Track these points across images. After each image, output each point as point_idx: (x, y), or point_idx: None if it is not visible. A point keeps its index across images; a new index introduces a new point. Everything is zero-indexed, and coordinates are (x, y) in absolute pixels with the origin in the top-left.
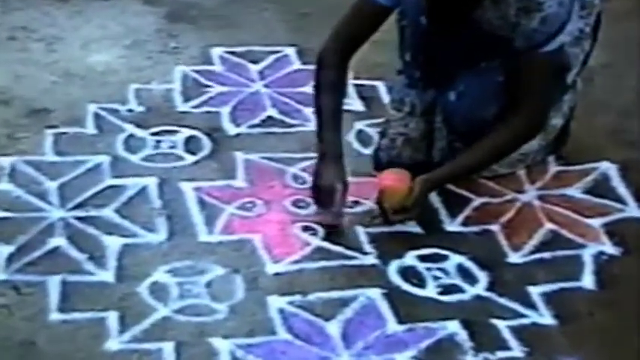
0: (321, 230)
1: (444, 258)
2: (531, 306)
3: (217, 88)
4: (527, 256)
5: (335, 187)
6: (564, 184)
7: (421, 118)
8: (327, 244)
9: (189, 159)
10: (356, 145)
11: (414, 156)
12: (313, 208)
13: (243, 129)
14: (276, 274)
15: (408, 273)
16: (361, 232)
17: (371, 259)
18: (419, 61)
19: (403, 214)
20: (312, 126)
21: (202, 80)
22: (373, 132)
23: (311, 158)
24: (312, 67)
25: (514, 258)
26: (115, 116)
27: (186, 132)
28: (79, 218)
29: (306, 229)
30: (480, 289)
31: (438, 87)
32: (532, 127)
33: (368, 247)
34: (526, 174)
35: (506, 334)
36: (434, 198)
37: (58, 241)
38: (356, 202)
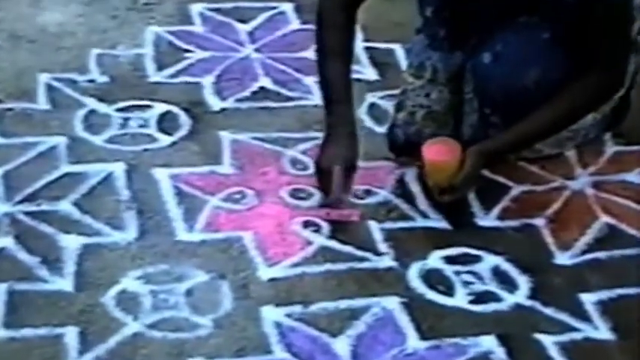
0: (325, 226)
1: (476, 259)
2: (583, 317)
3: (198, 54)
4: (578, 257)
5: (332, 169)
6: (623, 168)
7: (446, 87)
8: (333, 243)
9: (164, 140)
10: (368, 123)
11: (437, 133)
12: (317, 198)
13: (229, 103)
14: (272, 279)
15: (432, 278)
16: (375, 229)
17: (387, 262)
18: (443, 17)
19: (452, 193)
20: (314, 99)
21: (179, 44)
22: (389, 105)
23: (313, 139)
24: (312, 26)
25: (562, 259)
26: (73, 88)
27: (160, 107)
28: (28, 213)
29: (307, 224)
30: (520, 296)
31: (468, 48)
32: (614, 81)
33: (383, 247)
34: (577, 155)
35: (553, 352)
36: None
37: (4, 241)
38: (368, 192)
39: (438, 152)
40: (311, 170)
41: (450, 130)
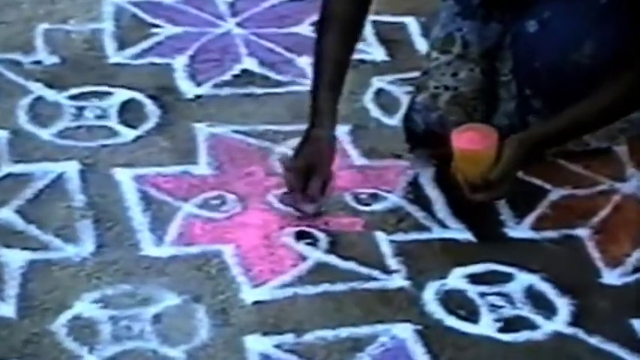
0: (323, 237)
1: (507, 278)
2: (636, 348)
3: (167, 29)
4: (629, 275)
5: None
6: None
7: (478, 65)
8: (332, 259)
9: (127, 134)
10: (374, 112)
11: (464, 122)
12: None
13: (206, 89)
14: (257, 302)
15: (452, 300)
16: (382, 241)
17: (397, 281)
18: None
19: (487, 191)
20: (308, 84)
21: (145, 17)
22: (400, 92)
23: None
24: None
25: (610, 278)
26: (15, 71)
27: (122, 94)
28: None
29: (301, 236)
30: (559, 323)
31: (508, 17)
32: None
33: (393, 263)
34: (629, 152)
35: None
36: None
37: None
38: (374, 197)
39: (471, 140)
40: None
41: (479, 119)
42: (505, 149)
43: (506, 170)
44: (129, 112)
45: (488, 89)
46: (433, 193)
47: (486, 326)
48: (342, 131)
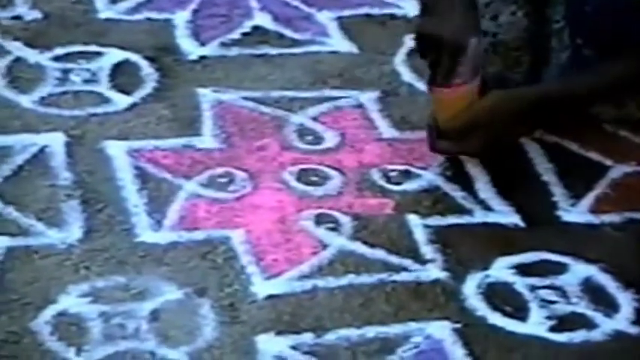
0: (347, 221)
1: (560, 269)
2: None
3: None
4: None
5: (463, 42)
6: None
7: (522, 8)
8: (357, 247)
9: (120, 101)
10: (406, 76)
11: (505, 76)
12: (336, 181)
13: (211, 49)
14: (271, 297)
15: (496, 295)
16: (416, 226)
17: (433, 272)
18: None
19: (452, 141)
20: (331, 43)
21: None
22: None
23: (330, 99)
24: None
25: None
26: None
27: (115, 55)
28: None
29: (321, 220)
30: (621, 321)
31: None
32: None
33: (428, 251)
34: None
35: None
36: (542, 166)
37: None
38: (406, 174)
39: (454, 88)
40: (326, 143)
41: (523, 72)
42: (483, 99)
43: (475, 120)
44: (122, 76)
45: (535, 37)
46: (474, 169)
47: (536, 324)
48: (368, 98)
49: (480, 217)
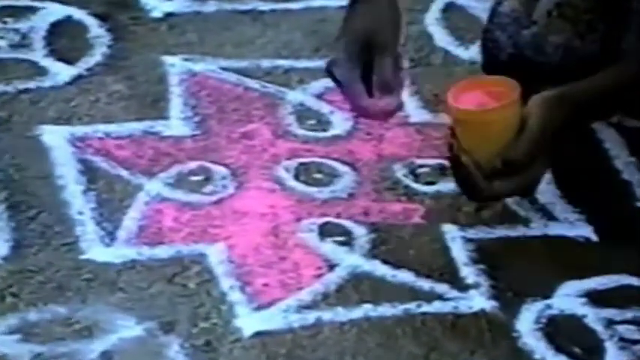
0: (361, 232)
1: None
2: None
3: None
4: None
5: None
6: None
7: None
8: (375, 266)
9: (61, 73)
10: (440, 41)
11: (572, 46)
12: (347, 179)
13: (180, 3)
14: (260, 334)
15: (561, 331)
16: (454, 240)
17: (477, 300)
18: None
19: (511, 177)
20: None
21: None
22: (480, 7)
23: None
24: None
25: None
26: None
27: (53, 10)
28: None
29: (328, 230)
30: None
31: None
32: None
33: (470, 273)
34: None
35: None
36: (620, 159)
37: None
38: (441, 171)
39: (480, 98)
40: (334, 129)
41: (597, 41)
42: (532, 111)
43: (535, 142)
44: (62, 39)
45: (608, 9)
46: None
47: None
48: None
49: (539, 228)
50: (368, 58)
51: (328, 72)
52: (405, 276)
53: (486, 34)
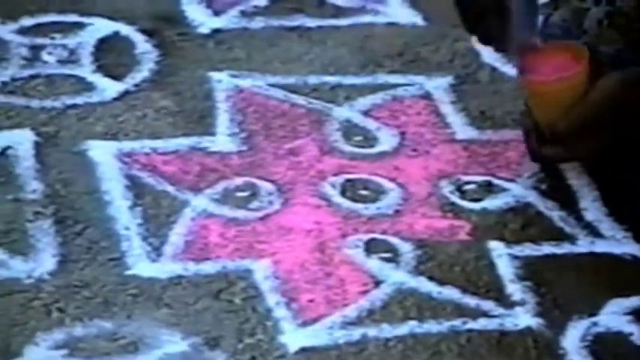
0: (408, 249)
1: None
2: None
3: None
4: None
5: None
6: None
7: None
8: (422, 283)
9: (108, 89)
10: (487, 57)
11: (623, 56)
12: (393, 195)
13: (227, 20)
14: (305, 350)
15: (608, 349)
16: (500, 256)
17: (523, 318)
18: None
19: (559, 145)
20: (389, 13)
21: None
22: None
23: (386, 86)
24: None
25: None
26: None
27: (101, 27)
28: None
29: (374, 247)
30: None
31: None
32: None
33: (516, 290)
34: None
35: None
36: None
37: None
38: (488, 187)
39: (545, 66)
40: (381, 146)
41: None
42: (598, 86)
43: (592, 116)
44: (110, 55)
45: None
46: (579, 181)
47: None
48: (437, 86)
49: (586, 245)
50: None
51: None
52: (450, 293)
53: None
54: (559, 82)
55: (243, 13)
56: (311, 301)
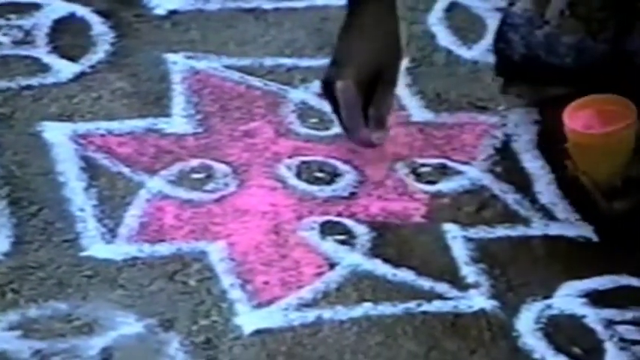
0: (363, 231)
1: None
2: None
3: None
4: None
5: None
6: None
7: None
8: (376, 265)
9: (63, 70)
10: (443, 40)
11: (584, 46)
12: (349, 177)
13: (184, 1)
14: (260, 332)
15: (561, 331)
16: (455, 239)
17: (477, 300)
18: None
19: (626, 196)
20: None
21: None
22: (484, 6)
23: None
24: None
25: None
26: None
27: (56, 7)
28: None
29: (329, 229)
30: None
31: None
32: None
33: (470, 272)
34: None
35: None
36: None
37: None
38: (442, 170)
39: (592, 118)
40: (336, 128)
41: (606, 42)
42: None
43: None
44: (66, 36)
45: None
46: (534, 164)
47: None
48: None
49: (540, 228)
50: (372, 89)
51: (325, 89)
52: (405, 275)
53: (499, 35)
54: (620, 132)
55: None
56: (266, 283)
